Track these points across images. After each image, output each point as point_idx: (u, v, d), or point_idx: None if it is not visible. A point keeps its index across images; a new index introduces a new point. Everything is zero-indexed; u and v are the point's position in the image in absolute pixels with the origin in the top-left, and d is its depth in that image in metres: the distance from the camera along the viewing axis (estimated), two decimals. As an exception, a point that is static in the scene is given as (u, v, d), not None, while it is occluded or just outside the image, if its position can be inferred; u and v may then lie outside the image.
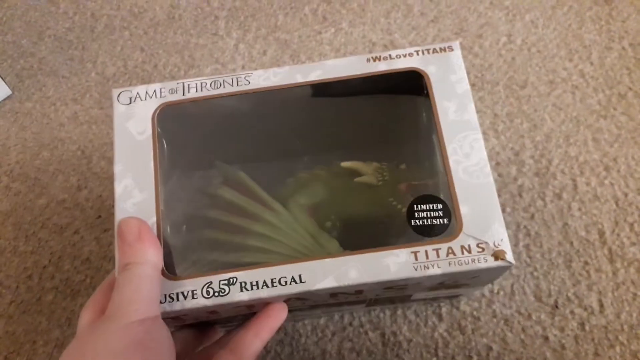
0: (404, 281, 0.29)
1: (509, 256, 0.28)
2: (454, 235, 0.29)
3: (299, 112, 0.38)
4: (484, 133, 0.52)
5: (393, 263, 0.29)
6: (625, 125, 0.51)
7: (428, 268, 0.28)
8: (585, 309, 0.42)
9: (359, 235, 0.36)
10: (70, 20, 0.67)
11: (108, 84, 0.60)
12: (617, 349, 0.40)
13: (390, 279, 0.28)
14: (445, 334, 0.41)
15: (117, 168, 0.32)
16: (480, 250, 0.29)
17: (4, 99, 0.60)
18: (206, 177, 0.39)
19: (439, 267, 0.28)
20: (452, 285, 0.34)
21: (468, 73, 0.57)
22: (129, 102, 0.33)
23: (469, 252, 0.29)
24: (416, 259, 0.29)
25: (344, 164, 0.38)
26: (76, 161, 0.54)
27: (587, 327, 0.41)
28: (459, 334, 0.41)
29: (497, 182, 0.49)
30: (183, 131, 0.36)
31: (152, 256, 0.28)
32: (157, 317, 0.27)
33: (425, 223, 0.31)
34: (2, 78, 0.59)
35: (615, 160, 0.49)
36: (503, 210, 0.47)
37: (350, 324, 0.42)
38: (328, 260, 0.29)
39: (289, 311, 0.35)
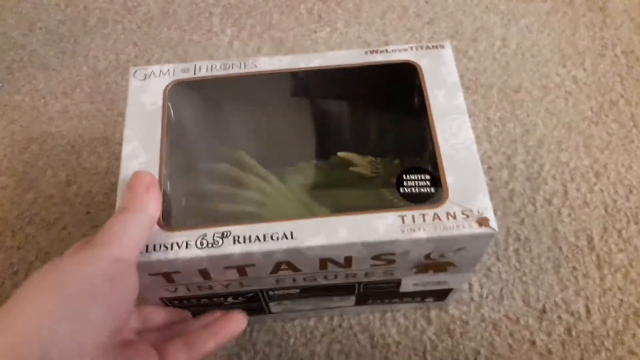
0: (392, 245, 0.30)
1: (493, 223, 0.30)
2: (440, 203, 0.31)
3: (300, 101, 0.41)
4: (476, 137, 0.52)
5: (382, 225, 0.30)
6: (616, 132, 0.52)
7: (414, 231, 0.30)
8: (572, 315, 0.42)
9: (348, 207, 0.37)
10: (62, 12, 0.66)
11: (99, 78, 0.59)
12: (603, 354, 0.40)
13: (379, 239, 0.30)
14: (433, 337, 0.41)
15: (127, 132, 0.34)
16: (465, 217, 0.30)
17: (-7, 91, 0.59)
18: (206, 151, 0.41)
19: (424, 231, 0.30)
20: (439, 265, 0.34)
21: (462, 76, 0.57)
22: (143, 78, 0.36)
23: (454, 218, 0.30)
24: (403, 222, 0.30)
25: (340, 153, 0.40)
26: (66, 156, 0.53)
27: (573, 333, 0.41)
28: (448, 338, 0.41)
29: (489, 185, 0.49)
30: (190, 106, 0.38)
31: (151, 208, 0.30)
32: (132, 263, 0.28)
33: (413, 191, 0.33)
34: (-9, 70, 0.58)
35: (605, 167, 0.50)
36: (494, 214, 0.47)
37: (340, 326, 0.42)
38: (319, 220, 0.30)
39: (280, 298, 0.38)
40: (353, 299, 0.40)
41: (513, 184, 0.49)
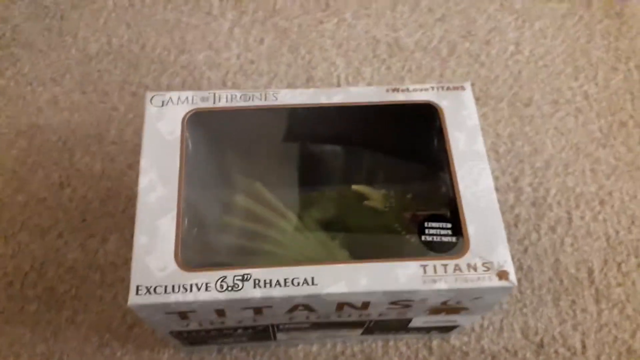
0: (412, 294, 0.30)
1: (512, 277, 0.30)
2: (461, 254, 0.31)
3: (318, 135, 0.40)
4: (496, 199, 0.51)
5: (402, 274, 0.30)
6: (623, 157, 0.52)
7: (435, 282, 0.30)
8: (569, 349, 0.43)
9: (366, 249, 0.38)
10: (46, -19, 0.60)
11: (90, 63, 0.56)
12: (593, 387, 0.42)
13: (399, 289, 0.30)
14: (434, 368, 0.42)
15: (144, 163, 0.33)
16: (486, 269, 0.30)
17: (-26, 73, 0.55)
18: (225, 183, 0.41)
19: (445, 282, 0.30)
20: (453, 309, 0.35)
21: (473, 85, 0.55)
22: (161, 105, 0.35)
23: (475, 270, 0.31)
24: (425, 272, 0.30)
25: (354, 187, 0.40)
26: (57, 154, 0.50)
27: (568, 368, 0.43)
28: (448, 369, 0.42)
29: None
30: (209, 137, 0.37)
31: None
32: None
33: (435, 240, 0.33)
34: (-29, 50, 0.54)
35: (610, 195, 0.50)
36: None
37: (343, 353, 0.43)
38: (340, 266, 0.30)
39: (289, 330, 0.38)
40: (360, 331, 0.40)
41: (519, 208, 0.49)
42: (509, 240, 0.47)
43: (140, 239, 0.31)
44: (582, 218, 0.48)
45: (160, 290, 0.29)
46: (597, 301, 0.45)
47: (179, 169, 0.33)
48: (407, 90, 0.37)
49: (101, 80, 0.55)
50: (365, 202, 0.39)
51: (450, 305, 0.34)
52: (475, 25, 0.59)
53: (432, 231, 0.34)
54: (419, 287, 0.30)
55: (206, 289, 0.29)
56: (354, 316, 0.35)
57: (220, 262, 0.34)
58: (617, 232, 0.48)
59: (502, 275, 0.30)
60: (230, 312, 0.32)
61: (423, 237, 0.34)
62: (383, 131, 0.39)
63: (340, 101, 0.36)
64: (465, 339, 0.43)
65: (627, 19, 0.60)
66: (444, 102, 0.36)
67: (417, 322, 0.38)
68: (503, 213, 0.49)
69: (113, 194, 0.48)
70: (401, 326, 0.39)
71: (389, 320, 0.37)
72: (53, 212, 0.48)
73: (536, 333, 0.44)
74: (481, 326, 0.44)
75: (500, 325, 0.44)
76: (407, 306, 0.33)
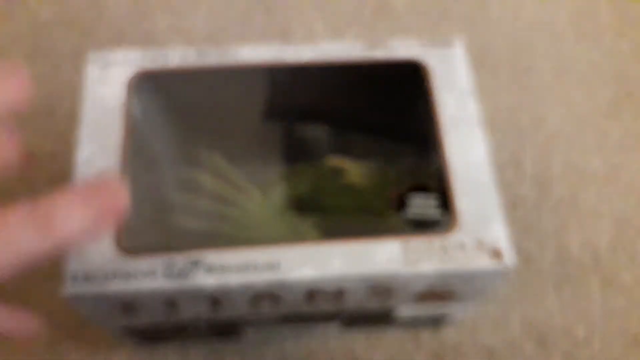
0: (392, 277, 0.27)
1: (507, 258, 0.27)
2: (448, 231, 0.28)
3: (286, 97, 0.36)
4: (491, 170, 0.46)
5: (381, 255, 0.27)
6: (631, 129, 0.47)
7: (419, 263, 0.27)
8: (572, 340, 0.39)
9: (341, 229, 0.34)
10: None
11: (41, 33, 0.50)
12: (599, 380, 0.38)
13: (378, 272, 0.26)
14: (424, 364, 0.38)
15: (83, 132, 0.30)
16: (477, 248, 0.27)
17: None
18: (177, 155, 0.37)
19: (430, 263, 0.27)
20: (440, 295, 0.31)
21: (470, 51, 0.50)
22: (103, 66, 0.32)
23: (464, 249, 0.27)
24: (406, 251, 0.27)
25: (331, 161, 0.36)
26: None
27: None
28: (439, 364, 0.38)
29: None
30: (158, 102, 0.34)
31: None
32: None
33: (418, 215, 0.30)
34: None
35: (617, 170, 0.45)
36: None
37: (323, 349, 0.38)
38: (308, 247, 0.27)
39: (257, 325, 0.33)
40: (338, 324, 0.36)
41: (519, 187, 0.44)
42: (508, 222, 0.43)
43: None
44: (587, 197, 0.44)
45: (98, 277, 0.26)
46: (603, 287, 0.41)
47: (122, 139, 0.30)
48: (388, 46, 0.33)
49: (53, 51, 0.49)
50: (343, 178, 0.35)
51: (437, 291, 0.30)
52: (470, -14, 0.54)
53: (416, 206, 0.31)
54: (399, 268, 0.26)
55: (152, 277, 0.26)
56: (329, 306, 0.31)
57: (170, 248, 0.29)
58: (626, 212, 0.44)
59: (496, 255, 0.27)
60: (183, 303, 0.28)
61: (406, 213, 0.30)
62: (360, 94, 0.35)
63: (310, 59, 0.32)
64: (459, 332, 0.39)
65: (635, -21, 0.55)
66: (431, 60, 0.32)
67: (402, 311, 0.34)
68: (502, 193, 0.44)
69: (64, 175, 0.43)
70: (384, 317, 0.35)
71: (369, 310, 0.33)
72: (-2, 196, 0.43)
73: (537, 324, 0.40)
74: (475, 318, 0.40)
75: (497, 315, 0.40)
76: (389, 293, 0.29)
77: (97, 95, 0.31)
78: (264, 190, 0.35)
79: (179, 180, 0.35)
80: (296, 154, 0.37)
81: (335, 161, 0.36)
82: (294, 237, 0.34)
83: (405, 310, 0.34)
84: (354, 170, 0.35)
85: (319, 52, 0.32)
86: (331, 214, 0.35)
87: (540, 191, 0.44)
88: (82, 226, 0.20)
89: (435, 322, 0.37)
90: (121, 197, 0.21)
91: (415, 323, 0.37)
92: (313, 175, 0.36)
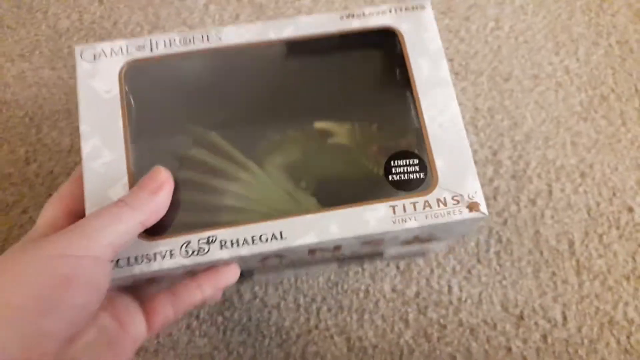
0: (383, 235, 0.30)
1: (483, 208, 0.30)
2: (430, 189, 0.30)
3: (271, 72, 0.38)
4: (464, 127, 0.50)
5: (372, 217, 0.29)
6: (604, 130, 0.51)
7: (406, 221, 0.29)
8: (549, 321, 0.42)
9: (334, 194, 0.36)
10: (18, -42, 0.59)
11: (61, 40, 0.54)
12: (575, 360, 0.41)
13: (370, 233, 0.29)
14: (410, 341, 0.41)
15: (83, 128, 0.31)
16: (456, 202, 0.30)
17: (-60, 49, 0.53)
18: (176, 138, 0.38)
19: (416, 220, 0.29)
20: (424, 239, 0.35)
21: (452, 60, 0.54)
22: (93, 59, 0.32)
23: (445, 204, 0.30)
24: (394, 212, 0.30)
25: (317, 124, 0.38)
26: (24, 129, 0.49)
27: (549, 340, 0.41)
28: (425, 342, 0.41)
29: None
30: (151, 89, 0.35)
31: (147, 211, 0.27)
32: (103, 261, 0.26)
33: (402, 178, 0.32)
34: (-63, 25, 0.52)
35: (591, 167, 0.49)
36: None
37: (316, 327, 0.41)
38: (308, 217, 0.29)
39: (262, 272, 0.36)
40: (335, 264, 0.40)
41: (498, 181, 0.48)
42: (488, 212, 0.46)
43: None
44: (562, 190, 0.47)
45: (123, 262, 0.28)
46: (578, 273, 0.44)
47: (122, 130, 0.31)
48: (363, 15, 0.34)
49: (71, 56, 0.53)
50: (330, 141, 0.38)
51: (421, 237, 0.33)
52: (454, 2, 0.59)
53: (398, 169, 0.32)
54: (389, 228, 0.29)
55: (171, 256, 0.28)
56: (327, 256, 0.35)
57: (182, 222, 0.32)
58: (598, 204, 0.47)
59: (473, 206, 0.30)
60: (201, 269, 0.31)
61: (390, 177, 0.32)
62: (341, 62, 0.37)
63: (290, 35, 0.34)
64: (443, 311, 0.42)
65: (607, -5, 0.59)
66: (404, 25, 0.34)
67: (389, 252, 0.38)
68: (482, 186, 0.48)
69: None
70: (374, 256, 0.39)
71: (362, 253, 0.37)
72: (18, 188, 0.46)
73: (516, 305, 0.43)
74: (459, 299, 0.43)
75: (479, 298, 0.43)
76: (379, 243, 0.33)
77: (91, 89, 0.32)
78: (260, 162, 0.37)
79: (181, 159, 0.37)
80: (269, 114, 0.39)
81: (322, 124, 0.38)
82: (292, 204, 0.36)
83: (393, 250, 0.37)
84: (340, 131, 0.37)
85: (298, 26, 0.34)
86: (322, 173, 0.37)
87: (518, 186, 0.48)
88: (202, 300, 0.31)
89: (418, 255, 0.40)
90: (231, 277, 0.31)
91: (401, 257, 0.40)
92: (303, 140, 0.38)
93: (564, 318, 0.42)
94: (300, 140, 0.38)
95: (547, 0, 0.59)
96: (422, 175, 0.32)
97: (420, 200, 0.30)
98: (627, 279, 0.44)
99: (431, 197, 0.30)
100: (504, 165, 0.49)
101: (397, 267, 0.44)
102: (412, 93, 0.33)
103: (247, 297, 0.42)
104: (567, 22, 0.57)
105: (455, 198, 0.30)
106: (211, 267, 0.31)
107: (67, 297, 0.24)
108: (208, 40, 0.33)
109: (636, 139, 0.50)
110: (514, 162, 0.49)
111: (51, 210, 0.29)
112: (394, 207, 0.30)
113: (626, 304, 0.43)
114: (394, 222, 0.29)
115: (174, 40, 0.33)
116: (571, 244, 0.45)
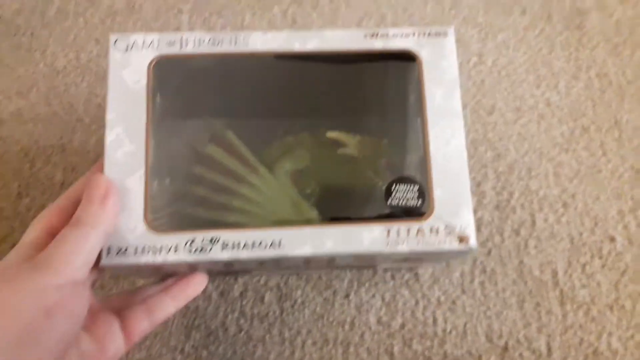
0: (375, 254, 0.32)
1: (473, 241, 0.31)
2: (425, 217, 0.32)
3: (292, 76, 0.39)
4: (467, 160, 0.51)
5: (367, 237, 0.31)
6: (585, 161, 0.52)
7: (398, 245, 0.31)
8: (534, 352, 0.42)
9: (337, 205, 0.38)
10: (20, 1, 0.61)
11: (57, 78, 0.56)
12: (561, 392, 0.41)
13: (363, 251, 0.31)
14: (395, 373, 0.41)
15: (110, 115, 0.32)
16: (448, 233, 0.31)
17: (-60, 88, 0.55)
18: (194, 132, 0.39)
19: (407, 245, 0.31)
20: (414, 260, 0.36)
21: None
22: (125, 50, 0.34)
23: (437, 233, 0.31)
24: (388, 235, 0.31)
25: (330, 134, 0.39)
26: (17, 164, 0.50)
27: (533, 371, 0.42)
28: (410, 374, 0.41)
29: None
30: (177, 84, 0.36)
31: (105, 222, 0.29)
32: (79, 284, 0.27)
33: (401, 203, 0.33)
34: (-63, 65, 0.54)
35: (573, 197, 0.50)
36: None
37: (302, 347, 0.41)
38: (307, 230, 0.31)
39: (260, 271, 0.39)
40: (325, 270, 0.42)
41: (481, 212, 0.48)
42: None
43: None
44: (545, 220, 0.48)
45: (130, 251, 0.30)
46: (562, 303, 0.44)
47: (145, 123, 0.33)
48: (387, 35, 0.35)
49: (67, 93, 0.55)
50: (340, 151, 0.39)
51: (412, 259, 0.35)
52: (439, 38, 0.60)
53: (398, 194, 0.34)
54: (382, 249, 0.31)
55: (175, 251, 0.30)
56: (322, 264, 0.36)
57: (190, 214, 0.34)
58: (581, 234, 0.48)
59: (463, 239, 0.31)
60: (202, 266, 0.33)
61: (389, 200, 0.34)
62: (361, 75, 0.39)
63: (314, 47, 0.35)
64: (428, 343, 0.42)
65: (586, 30, 0.61)
66: (424, 51, 0.35)
67: (381, 266, 0.40)
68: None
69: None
70: (367, 267, 0.42)
71: (355, 265, 0.39)
72: (9, 222, 0.47)
73: (500, 336, 0.43)
74: (444, 330, 0.43)
75: (463, 329, 0.43)
76: (372, 259, 0.35)
77: (121, 79, 0.33)
78: (270, 166, 0.38)
79: (197, 154, 0.38)
80: (285, 119, 0.40)
81: (334, 134, 0.39)
82: (295, 213, 0.37)
83: (385, 265, 0.39)
84: (351, 142, 0.38)
85: (323, 39, 0.35)
86: (329, 183, 0.38)
87: (502, 216, 0.48)
88: (176, 312, 0.34)
89: (410, 270, 0.43)
90: (200, 286, 0.35)
91: (393, 270, 0.42)
92: (314, 147, 0.39)
93: (549, 349, 0.42)
94: (311, 147, 0.39)
95: (528, 35, 0.61)
96: (419, 203, 0.33)
97: (414, 226, 0.31)
98: (611, 308, 0.44)
99: (425, 225, 0.32)
100: (487, 195, 0.49)
101: (383, 299, 0.44)
102: (422, 119, 0.34)
103: (232, 331, 0.42)
104: (547, 56, 0.59)
105: (447, 228, 0.31)
106: (182, 278, 0.34)
107: (49, 328, 0.25)
108: (235, 43, 0.35)
109: (617, 170, 0.51)
110: (498, 193, 0.50)
111: (35, 231, 0.30)
112: (388, 230, 0.31)
113: (610, 334, 0.43)
114: (387, 244, 0.31)
115: (204, 40, 0.35)
116: (555, 274, 0.46)
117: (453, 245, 0.31)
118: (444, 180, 0.32)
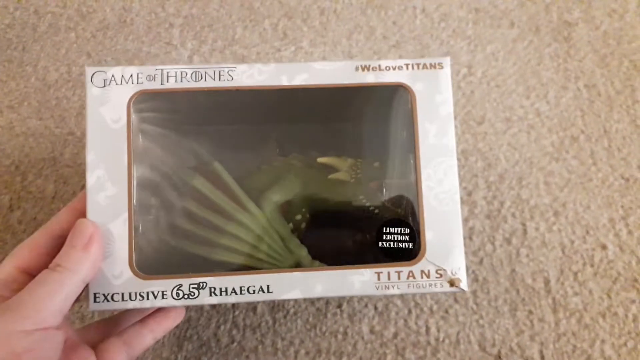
0: (365, 297, 0.32)
1: (464, 284, 0.31)
2: (416, 260, 0.32)
3: (279, 102, 0.38)
4: (459, 201, 0.51)
5: (357, 280, 0.31)
6: (575, 170, 0.52)
7: (388, 288, 0.31)
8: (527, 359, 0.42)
9: (327, 234, 0.38)
10: (11, 16, 0.62)
11: (49, 91, 0.56)
12: (555, 401, 0.41)
13: (353, 295, 0.31)
14: (389, 384, 0.41)
15: (90, 157, 0.31)
16: (439, 276, 0.31)
17: None
18: (180, 163, 0.38)
19: (398, 288, 0.31)
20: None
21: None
22: (103, 85, 0.32)
23: (428, 277, 0.31)
24: (379, 279, 0.31)
25: (320, 160, 0.38)
26: (9, 177, 0.50)
27: (527, 380, 0.41)
28: (403, 384, 0.41)
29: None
30: (159, 121, 0.36)
31: (85, 269, 0.28)
32: (52, 330, 0.26)
33: (392, 246, 0.33)
34: None
35: (564, 206, 0.50)
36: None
37: (294, 371, 0.41)
38: (296, 274, 0.31)
39: None
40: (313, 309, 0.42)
41: (473, 221, 0.49)
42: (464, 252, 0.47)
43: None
44: (537, 229, 0.48)
45: (117, 297, 0.30)
46: (555, 311, 0.44)
47: (127, 164, 0.31)
48: (379, 68, 0.34)
49: (59, 106, 0.55)
50: (331, 176, 0.38)
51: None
52: (428, 50, 0.61)
53: (389, 237, 0.33)
54: (372, 292, 0.31)
55: (162, 297, 0.30)
56: None
57: (177, 249, 0.34)
58: (572, 242, 0.48)
59: (454, 282, 0.31)
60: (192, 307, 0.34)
61: (380, 244, 0.33)
62: (350, 112, 0.38)
63: (303, 82, 0.33)
64: (421, 352, 0.42)
65: (574, 42, 0.62)
66: (418, 84, 0.34)
67: None
68: (458, 226, 0.48)
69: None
70: None
71: None
72: (0, 235, 0.47)
73: (493, 345, 0.43)
74: (437, 339, 0.43)
75: (456, 337, 0.43)
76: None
77: (100, 116, 0.32)
78: (258, 199, 0.37)
79: (183, 186, 0.37)
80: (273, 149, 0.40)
81: (325, 159, 0.38)
82: (284, 253, 0.36)
83: None
84: (342, 166, 0.37)
85: (311, 73, 0.33)
86: (319, 208, 0.38)
87: (493, 225, 0.49)
88: (153, 344, 0.34)
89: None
90: (177, 319, 0.35)
91: None
92: (303, 173, 0.38)
93: (542, 357, 0.42)
94: (300, 171, 0.38)
95: (517, 47, 0.62)
96: (410, 246, 0.33)
97: (405, 269, 0.31)
98: (603, 316, 0.44)
99: (416, 268, 0.31)
100: (478, 205, 0.50)
101: (375, 308, 0.44)
102: (414, 157, 0.33)
103: (225, 342, 0.42)
104: (536, 67, 0.60)
105: (439, 272, 0.31)
106: (160, 310, 0.33)
107: None
108: (220, 78, 0.33)
109: (607, 178, 0.51)
110: (489, 202, 0.50)
111: (6, 267, 0.29)
112: (379, 274, 0.31)
113: (603, 341, 0.43)
114: (377, 288, 0.31)
115: (186, 74, 0.33)
116: (547, 282, 0.46)
117: (444, 288, 0.31)
118: (436, 222, 0.32)
